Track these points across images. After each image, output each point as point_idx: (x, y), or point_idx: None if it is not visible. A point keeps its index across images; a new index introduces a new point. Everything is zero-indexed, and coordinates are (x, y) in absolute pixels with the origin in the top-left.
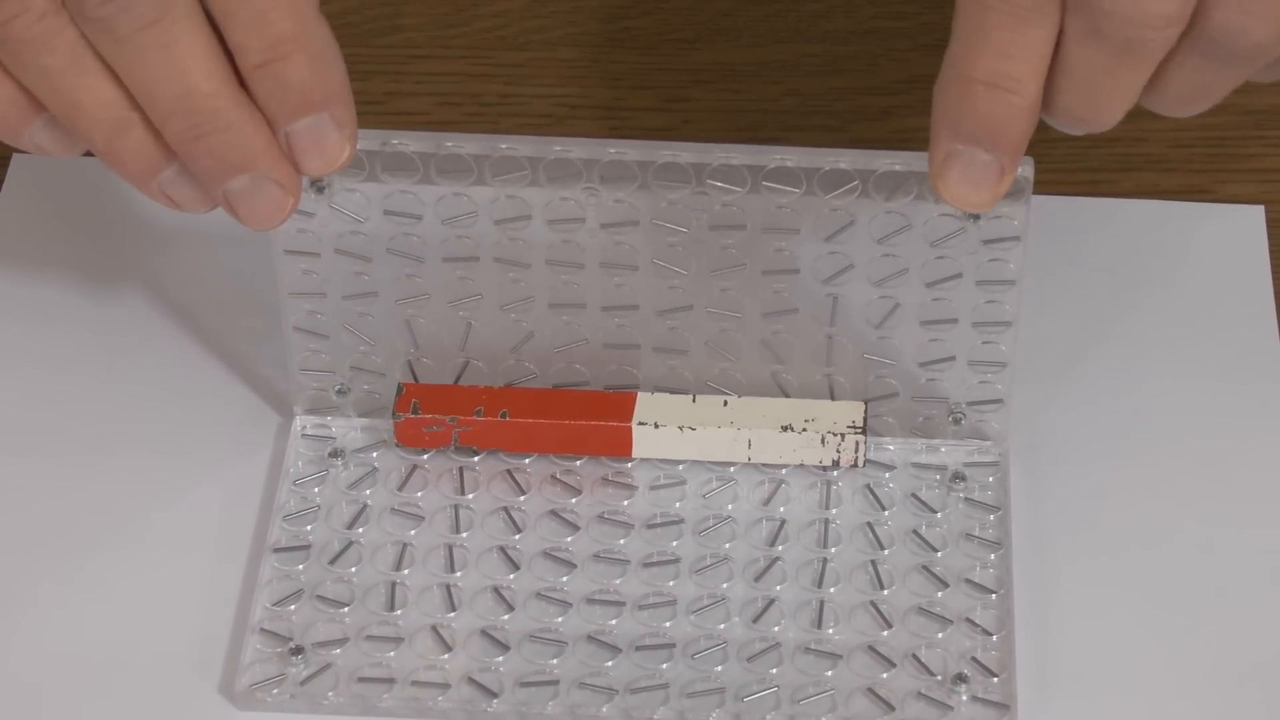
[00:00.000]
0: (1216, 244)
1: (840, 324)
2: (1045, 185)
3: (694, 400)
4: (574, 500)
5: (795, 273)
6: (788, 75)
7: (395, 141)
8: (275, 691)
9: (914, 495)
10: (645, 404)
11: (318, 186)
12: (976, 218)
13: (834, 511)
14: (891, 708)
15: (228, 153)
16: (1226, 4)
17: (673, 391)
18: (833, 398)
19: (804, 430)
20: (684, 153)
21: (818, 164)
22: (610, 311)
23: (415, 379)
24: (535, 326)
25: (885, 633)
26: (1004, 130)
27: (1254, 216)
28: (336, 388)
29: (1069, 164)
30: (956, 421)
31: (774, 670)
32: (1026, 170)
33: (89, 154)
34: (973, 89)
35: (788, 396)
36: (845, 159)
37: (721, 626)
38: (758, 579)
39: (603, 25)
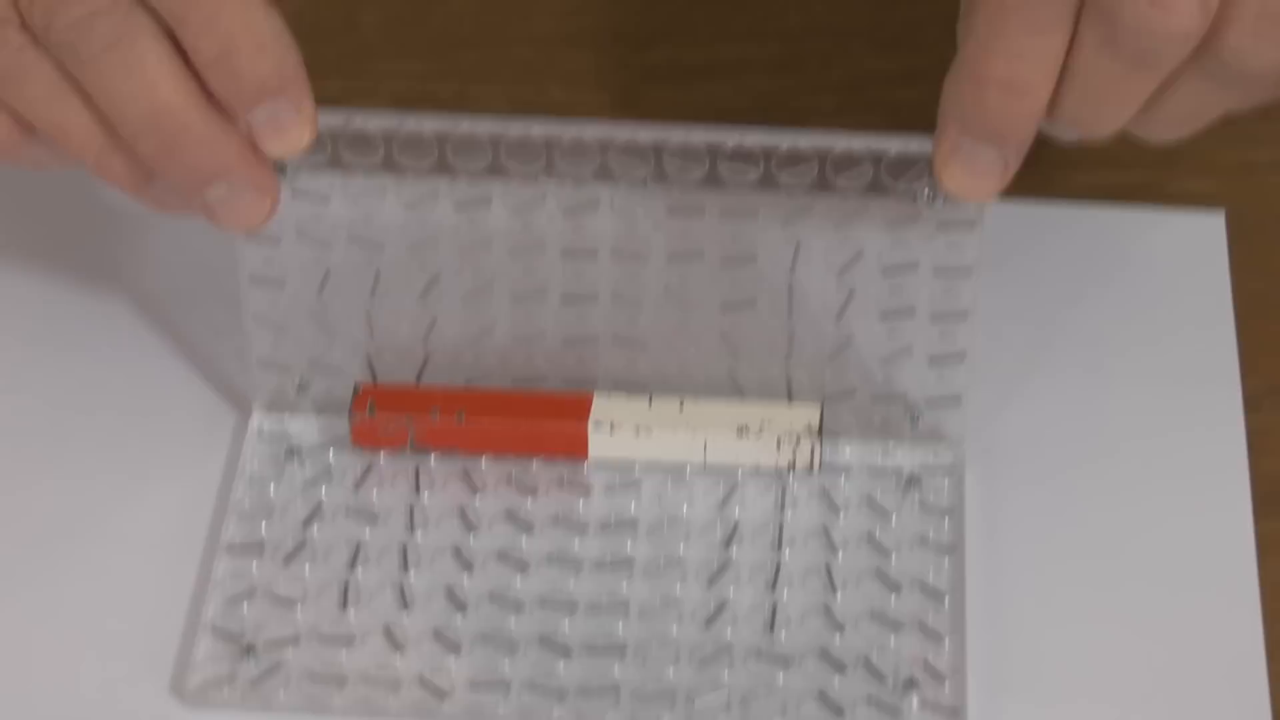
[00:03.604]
0: (1176, 249)
1: (798, 316)
2: None
3: (650, 404)
4: (529, 501)
5: (753, 260)
6: (742, 73)
7: (358, 120)
8: (225, 690)
9: (869, 498)
10: (601, 406)
11: (279, 169)
12: (933, 202)
13: (789, 514)
14: (841, 712)
15: (201, 165)
16: (1241, 27)
17: (630, 387)
18: (790, 394)
19: (760, 433)
20: (642, 133)
21: (775, 143)
22: (569, 303)
23: (374, 375)
24: (495, 317)
25: (837, 636)
26: (1012, 130)
27: (1214, 222)
28: (297, 382)
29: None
30: (914, 421)
31: (725, 673)
32: None
33: None
34: (986, 89)
35: (743, 393)
36: (804, 139)
37: (674, 629)
38: (711, 582)
39: (557, 24)
